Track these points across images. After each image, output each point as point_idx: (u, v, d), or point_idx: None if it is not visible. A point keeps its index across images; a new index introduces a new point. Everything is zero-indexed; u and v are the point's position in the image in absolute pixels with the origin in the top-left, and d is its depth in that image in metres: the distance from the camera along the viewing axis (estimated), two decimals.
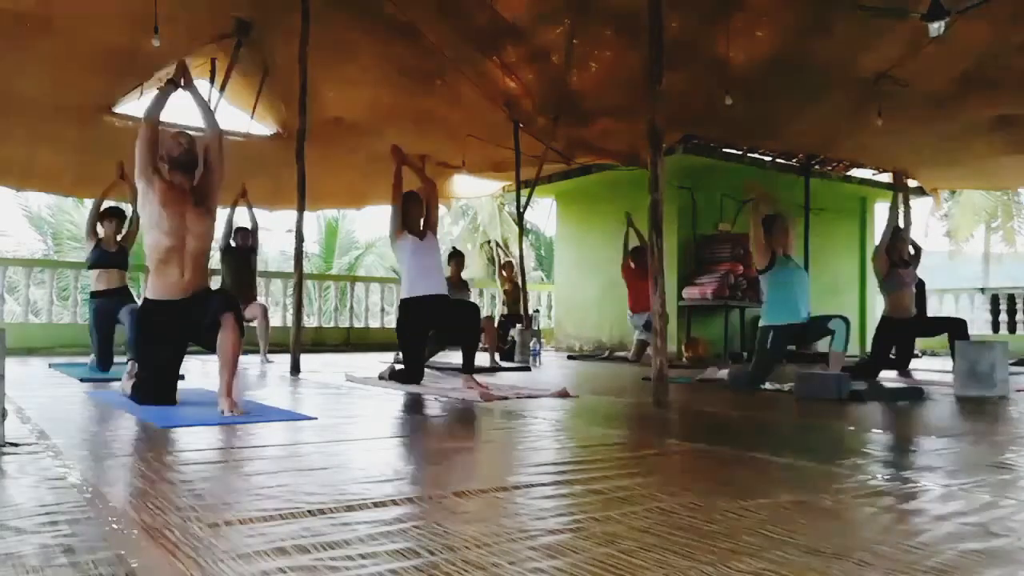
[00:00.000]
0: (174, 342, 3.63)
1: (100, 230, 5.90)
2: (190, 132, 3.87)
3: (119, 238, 5.93)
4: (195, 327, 3.51)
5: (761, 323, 5.28)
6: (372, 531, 1.55)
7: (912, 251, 6.17)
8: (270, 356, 7.64)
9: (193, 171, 3.66)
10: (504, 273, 10.23)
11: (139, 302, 4.41)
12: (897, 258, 5.96)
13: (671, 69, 4.71)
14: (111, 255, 5.83)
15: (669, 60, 4.46)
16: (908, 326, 6.03)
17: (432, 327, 5.07)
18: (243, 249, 7.63)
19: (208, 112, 3.88)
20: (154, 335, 3.60)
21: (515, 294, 9.66)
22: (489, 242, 11.15)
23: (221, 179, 3.77)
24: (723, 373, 5.69)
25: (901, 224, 6.10)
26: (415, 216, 5.09)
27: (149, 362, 3.67)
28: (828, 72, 7.01)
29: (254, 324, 7.41)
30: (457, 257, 7.96)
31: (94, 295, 5.82)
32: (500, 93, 7.99)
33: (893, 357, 6.16)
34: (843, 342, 5.06)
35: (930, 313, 12.60)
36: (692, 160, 9.26)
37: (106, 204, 6.13)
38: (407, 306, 4.91)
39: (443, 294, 4.95)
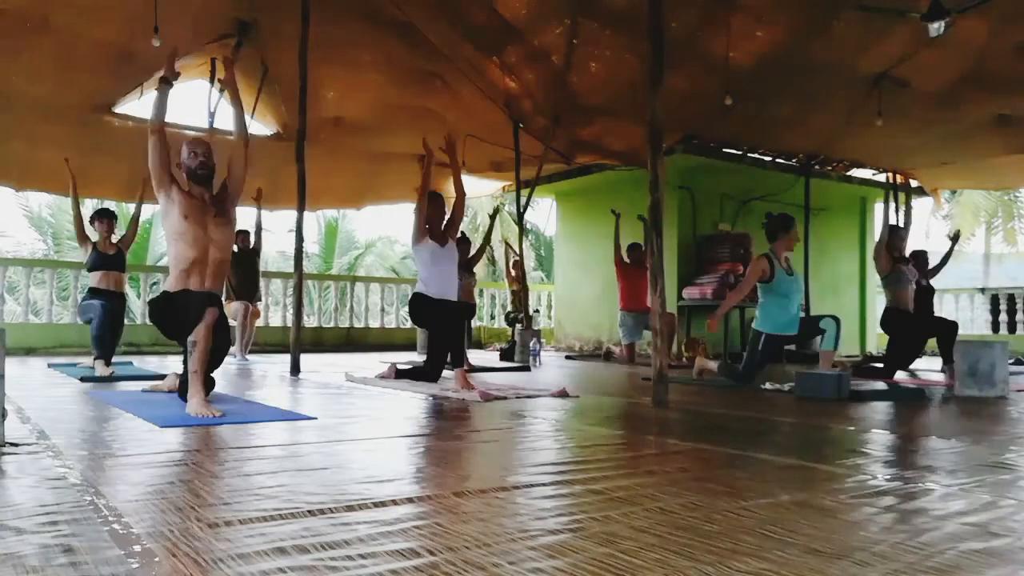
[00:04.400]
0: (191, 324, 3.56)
1: (92, 233, 5.82)
2: (204, 138, 3.84)
3: (115, 239, 5.85)
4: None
5: (754, 326, 5.36)
6: (372, 531, 1.55)
7: (911, 258, 6.30)
8: (249, 356, 7.69)
9: (211, 181, 3.62)
10: (513, 272, 10.10)
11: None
12: (898, 255, 6.04)
13: (671, 69, 4.70)
14: (109, 258, 5.76)
15: (669, 60, 4.46)
16: (912, 318, 6.22)
17: (437, 318, 5.13)
18: (245, 251, 7.65)
19: (240, 115, 3.83)
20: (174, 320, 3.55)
21: (523, 293, 9.65)
22: (502, 241, 10.96)
23: (242, 187, 3.75)
24: (713, 364, 5.80)
25: (900, 223, 6.23)
26: (436, 219, 5.14)
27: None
28: (828, 72, 7.00)
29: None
30: (464, 244, 7.90)
31: (95, 291, 5.75)
32: (500, 93, 7.98)
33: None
34: (833, 341, 5.15)
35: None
36: (692, 160, 9.26)
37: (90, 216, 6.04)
38: (419, 299, 5.07)
39: (451, 300, 5.11)
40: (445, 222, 5.21)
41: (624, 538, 1.51)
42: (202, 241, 3.52)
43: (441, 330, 5.12)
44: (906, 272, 6.14)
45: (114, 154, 8.46)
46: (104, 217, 5.85)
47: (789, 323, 5.24)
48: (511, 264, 10.29)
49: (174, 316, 3.53)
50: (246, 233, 7.76)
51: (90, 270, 5.81)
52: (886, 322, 6.32)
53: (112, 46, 7.04)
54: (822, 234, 10.48)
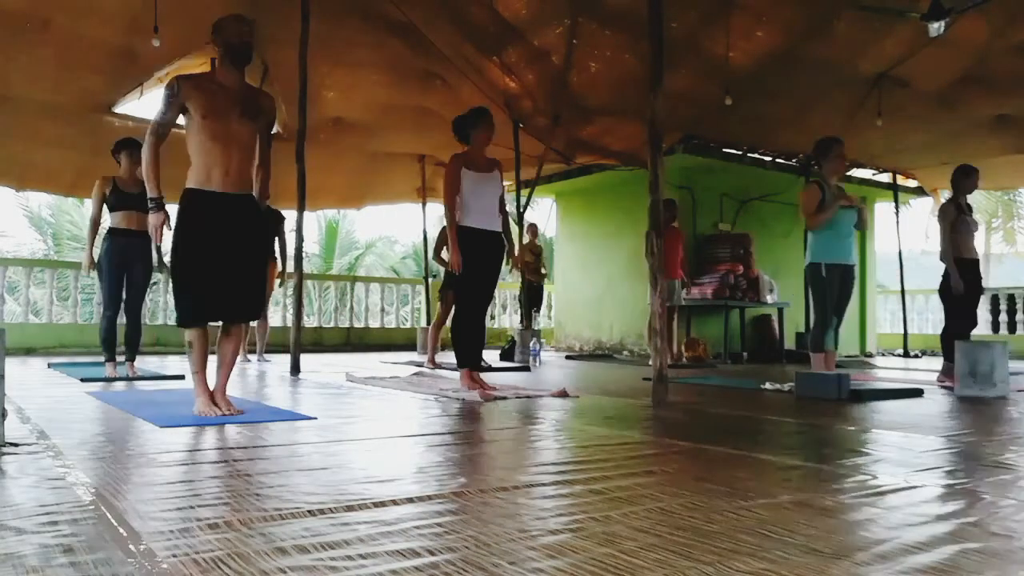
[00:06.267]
0: (220, 241, 3.24)
1: (116, 169, 5.20)
2: (250, 18, 3.36)
3: (139, 174, 4.96)
4: (232, 236, 3.24)
5: (809, 261, 5.01)
6: (372, 531, 1.55)
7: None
8: (266, 355, 7.65)
9: (246, 63, 3.34)
10: (526, 239, 9.13)
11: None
12: (964, 202, 5.73)
13: (671, 69, 4.70)
14: (132, 197, 5.08)
15: (669, 60, 4.45)
16: (975, 266, 5.71)
17: (478, 261, 4.56)
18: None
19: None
20: (200, 230, 3.22)
21: (537, 264, 9.08)
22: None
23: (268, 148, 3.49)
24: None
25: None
26: (484, 141, 4.58)
27: (194, 271, 3.23)
28: (828, 72, 7.01)
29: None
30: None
31: (114, 232, 5.18)
32: (500, 93, 7.99)
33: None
34: (813, 343, 5.00)
35: (921, 318, 12.63)
36: (692, 160, 9.26)
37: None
38: (464, 234, 4.53)
39: (498, 232, 4.63)
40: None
41: (624, 538, 1.51)
42: (223, 136, 3.22)
43: (475, 271, 4.52)
44: (969, 222, 5.69)
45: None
46: (129, 148, 5.14)
47: (845, 251, 4.93)
48: (526, 229, 9.22)
49: (195, 221, 3.21)
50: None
51: (112, 210, 5.16)
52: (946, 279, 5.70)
53: (112, 46, 7.04)
54: None
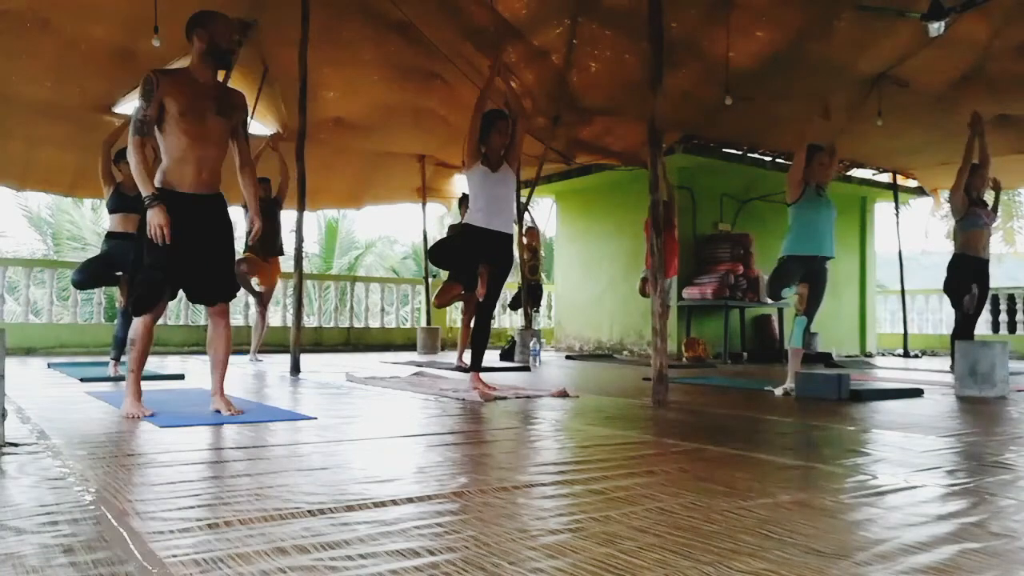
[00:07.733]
0: (187, 243, 3.19)
1: (117, 174, 5.43)
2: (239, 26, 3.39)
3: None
4: (202, 235, 3.23)
5: (780, 256, 5.02)
6: (372, 531, 1.55)
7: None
8: (259, 356, 7.60)
9: (225, 67, 3.37)
10: (525, 240, 8.91)
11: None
12: (976, 196, 5.71)
13: (671, 69, 4.69)
14: (131, 199, 5.23)
15: (669, 60, 4.45)
16: (982, 266, 5.73)
17: (482, 262, 4.51)
18: (265, 201, 6.60)
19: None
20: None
21: (534, 262, 8.95)
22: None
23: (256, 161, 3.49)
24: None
25: (977, 161, 5.78)
26: (497, 145, 4.49)
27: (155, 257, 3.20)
28: (828, 72, 7.00)
29: (260, 289, 7.38)
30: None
31: (111, 235, 5.40)
32: (500, 93, 7.98)
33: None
34: (799, 339, 4.99)
35: (921, 318, 12.64)
36: (692, 160, 9.26)
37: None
38: (468, 233, 4.54)
39: (500, 231, 4.50)
40: (504, 148, 4.54)
41: (624, 538, 1.51)
42: (199, 134, 3.18)
43: (470, 263, 4.47)
44: (982, 215, 5.71)
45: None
46: (126, 158, 5.36)
47: (816, 244, 4.85)
48: (524, 232, 8.86)
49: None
50: (267, 182, 7.05)
51: (111, 212, 5.41)
52: (953, 269, 5.74)
53: (112, 46, 7.03)
54: None
